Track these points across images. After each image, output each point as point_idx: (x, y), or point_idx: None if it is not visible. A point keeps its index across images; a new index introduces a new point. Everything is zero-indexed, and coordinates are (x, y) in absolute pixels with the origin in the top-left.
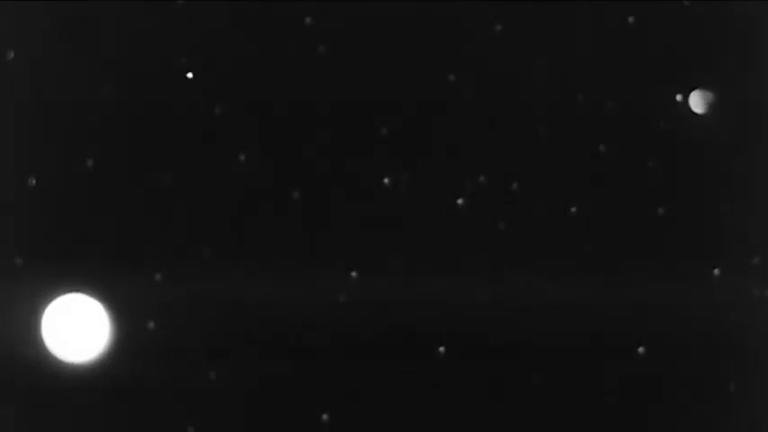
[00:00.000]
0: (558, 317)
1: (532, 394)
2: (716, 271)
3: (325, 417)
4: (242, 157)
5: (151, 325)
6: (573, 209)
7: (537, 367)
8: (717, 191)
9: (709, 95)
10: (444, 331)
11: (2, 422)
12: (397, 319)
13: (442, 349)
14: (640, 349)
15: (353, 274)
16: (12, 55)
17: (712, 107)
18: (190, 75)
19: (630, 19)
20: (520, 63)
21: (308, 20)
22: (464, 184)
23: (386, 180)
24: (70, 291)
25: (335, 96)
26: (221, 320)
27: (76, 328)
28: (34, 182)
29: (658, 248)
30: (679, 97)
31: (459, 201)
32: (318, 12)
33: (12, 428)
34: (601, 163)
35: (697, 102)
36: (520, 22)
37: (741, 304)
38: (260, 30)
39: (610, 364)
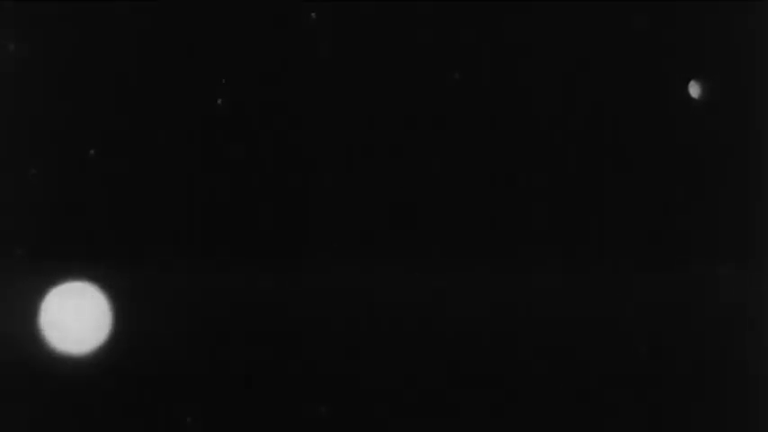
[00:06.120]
0: (557, 316)
1: (529, 392)
2: (716, 270)
3: (323, 409)
4: (241, 152)
5: (150, 315)
6: (572, 206)
7: (534, 365)
8: (717, 189)
9: (707, 87)
10: (439, 327)
11: (1, 411)
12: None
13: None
14: (640, 349)
15: (349, 267)
16: (12, 48)
17: (710, 97)
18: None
19: (630, 17)
20: (520, 61)
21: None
22: (468, 179)
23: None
24: (69, 280)
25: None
26: (219, 312)
27: (75, 317)
28: (34, 171)
29: (658, 247)
30: (678, 89)
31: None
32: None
33: (11, 417)
34: (599, 160)
35: (695, 91)
36: (519, 20)
37: (741, 304)
38: (260, 27)
39: (609, 364)
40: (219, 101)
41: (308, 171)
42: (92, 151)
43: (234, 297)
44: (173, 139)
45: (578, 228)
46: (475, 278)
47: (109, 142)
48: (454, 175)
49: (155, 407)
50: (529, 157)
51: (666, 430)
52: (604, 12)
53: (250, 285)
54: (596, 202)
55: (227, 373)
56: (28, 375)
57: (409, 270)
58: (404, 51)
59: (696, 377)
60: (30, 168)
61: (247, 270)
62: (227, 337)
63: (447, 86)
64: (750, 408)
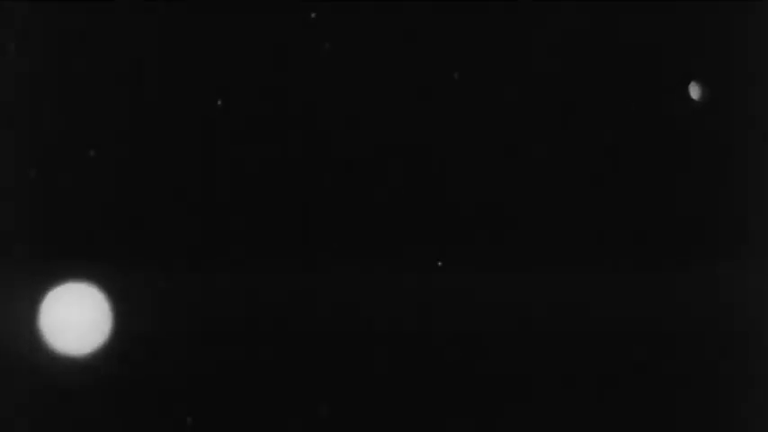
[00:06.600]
0: (557, 315)
1: (530, 393)
2: (716, 269)
3: (323, 409)
4: (241, 153)
5: (151, 317)
6: (572, 207)
7: (536, 366)
8: (717, 189)
9: (707, 89)
10: (440, 327)
11: (1, 412)
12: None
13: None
14: (640, 349)
15: (353, 269)
16: (12, 48)
17: (709, 98)
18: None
19: (628, 16)
20: (519, 62)
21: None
22: (468, 179)
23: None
24: (69, 281)
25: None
26: (220, 312)
27: (75, 318)
28: (34, 174)
29: (658, 247)
30: (678, 89)
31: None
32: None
33: (10, 419)
34: (600, 161)
35: (695, 93)
36: (519, 20)
37: (741, 303)
38: (261, 27)
39: (609, 364)
40: (219, 102)
41: (309, 171)
42: (92, 152)
43: (234, 297)
44: (173, 139)
45: (578, 228)
46: (473, 279)
47: (109, 142)
48: (453, 175)
49: (154, 407)
50: (529, 157)
51: (666, 430)
52: (604, 12)
53: (251, 286)
54: (596, 201)
55: (227, 373)
56: (27, 376)
57: (408, 270)
58: (403, 51)
59: (696, 377)
60: (30, 169)
61: (248, 270)
62: (228, 338)
63: (446, 86)
64: (750, 408)
